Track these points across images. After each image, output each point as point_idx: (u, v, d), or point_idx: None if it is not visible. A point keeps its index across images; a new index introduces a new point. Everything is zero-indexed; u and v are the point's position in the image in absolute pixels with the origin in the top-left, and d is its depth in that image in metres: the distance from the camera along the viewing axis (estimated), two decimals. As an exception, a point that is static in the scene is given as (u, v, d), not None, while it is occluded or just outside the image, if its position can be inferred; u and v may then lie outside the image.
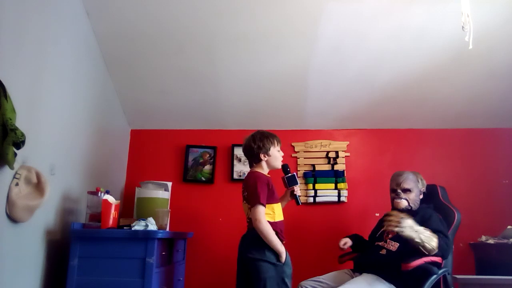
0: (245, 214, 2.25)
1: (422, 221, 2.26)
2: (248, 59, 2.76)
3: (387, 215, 2.22)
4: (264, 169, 2.25)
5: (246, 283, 2.11)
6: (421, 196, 2.46)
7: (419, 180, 2.48)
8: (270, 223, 2.07)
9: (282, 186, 2.37)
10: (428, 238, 2.06)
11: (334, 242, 3.13)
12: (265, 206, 2.07)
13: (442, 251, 2.10)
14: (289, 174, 2.34)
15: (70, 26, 2.27)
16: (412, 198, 2.39)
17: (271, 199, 2.13)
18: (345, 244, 2.46)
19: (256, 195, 2.06)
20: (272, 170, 2.30)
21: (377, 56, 2.71)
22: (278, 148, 2.28)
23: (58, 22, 2.12)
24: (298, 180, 2.38)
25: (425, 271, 2.09)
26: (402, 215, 2.10)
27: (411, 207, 2.38)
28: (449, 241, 2.16)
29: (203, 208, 3.25)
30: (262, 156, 2.22)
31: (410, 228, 2.06)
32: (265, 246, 2.03)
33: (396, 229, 2.07)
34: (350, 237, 2.55)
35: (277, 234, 2.08)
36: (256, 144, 2.22)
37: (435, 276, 2.08)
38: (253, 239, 2.07)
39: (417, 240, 2.05)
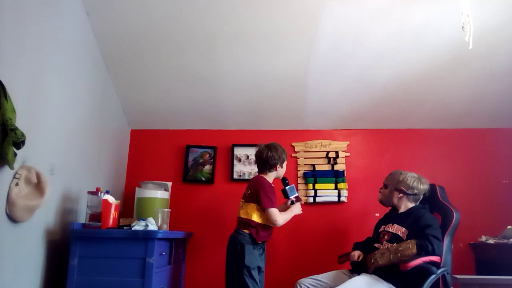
0: (237, 212, 2.49)
1: (415, 221, 2.29)
2: (248, 59, 2.76)
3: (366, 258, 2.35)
4: (271, 178, 2.51)
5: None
6: (405, 197, 2.44)
7: (407, 182, 2.43)
8: (263, 225, 2.36)
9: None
10: (403, 250, 2.15)
11: (333, 242, 3.15)
12: (276, 207, 2.37)
13: (425, 249, 2.11)
14: (288, 186, 2.54)
15: (70, 26, 2.27)
16: (385, 193, 2.55)
17: None
18: (359, 256, 2.44)
19: (270, 199, 2.35)
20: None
21: (377, 56, 2.71)
22: (286, 162, 2.58)
23: (58, 22, 2.12)
24: (296, 191, 2.60)
25: (424, 271, 2.10)
26: (377, 253, 2.25)
27: (382, 200, 2.58)
28: (437, 236, 2.16)
29: (203, 208, 3.25)
30: (278, 167, 2.50)
31: (381, 255, 2.21)
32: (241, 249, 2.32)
33: (372, 266, 2.22)
34: (357, 248, 2.54)
35: (251, 233, 2.34)
36: (278, 155, 2.49)
37: (434, 275, 2.08)
38: (235, 242, 2.35)
39: (393, 258, 2.15)
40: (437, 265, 2.15)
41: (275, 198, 2.41)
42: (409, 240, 2.19)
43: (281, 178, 2.56)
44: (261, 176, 2.49)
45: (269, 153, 2.47)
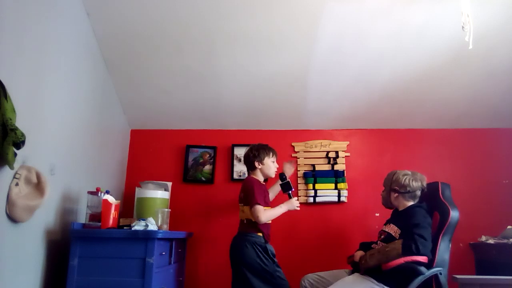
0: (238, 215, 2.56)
1: (406, 220, 2.27)
2: (248, 59, 2.76)
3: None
4: (259, 176, 2.59)
5: (237, 282, 2.39)
6: (400, 196, 2.42)
7: (399, 180, 2.42)
8: (262, 225, 2.41)
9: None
10: (389, 250, 2.15)
11: (333, 242, 3.15)
12: (262, 205, 2.38)
13: (409, 248, 2.08)
14: (284, 181, 2.60)
15: (70, 26, 2.27)
16: (383, 195, 2.56)
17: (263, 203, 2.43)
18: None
19: (254, 197, 2.37)
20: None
21: (377, 56, 2.71)
22: (273, 159, 2.61)
23: (58, 22, 2.12)
24: (293, 185, 2.64)
25: (412, 271, 2.09)
26: (367, 254, 2.28)
27: (383, 203, 2.57)
28: (423, 235, 2.11)
29: (203, 208, 3.25)
30: (256, 163, 2.56)
31: (370, 256, 2.23)
32: (246, 249, 2.37)
33: (362, 267, 2.25)
34: (362, 248, 2.55)
35: (264, 234, 2.41)
36: (252, 153, 2.58)
37: (421, 276, 2.07)
38: (239, 242, 2.41)
39: (381, 259, 2.16)
40: (425, 265, 2.12)
41: (263, 194, 2.46)
42: (397, 240, 2.19)
43: (270, 176, 2.63)
44: (248, 177, 2.59)
45: (247, 151, 2.61)
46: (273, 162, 2.62)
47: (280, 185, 2.62)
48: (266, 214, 2.39)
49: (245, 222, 2.47)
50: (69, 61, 2.29)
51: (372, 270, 2.21)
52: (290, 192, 2.58)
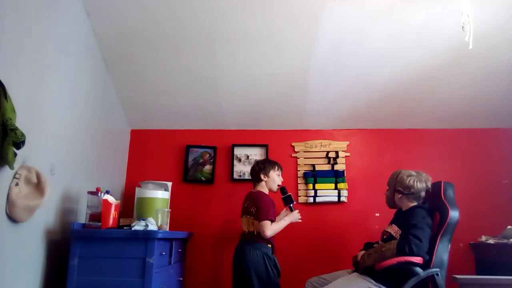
0: (241, 227, 2.61)
1: (406, 220, 2.26)
2: (248, 59, 2.76)
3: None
4: (264, 189, 2.64)
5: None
6: (404, 197, 2.39)
7: (403, 181, 2.39)
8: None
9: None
10: (385, 250, 2.16)
11: (333, 242, 3.15)
12: (272, 221, 2.45)
13: (402, 249, 2.08)
14: (286, 195, 2.67)
15: (70, 26, 2.27)
16: (387, 195, 2.53)
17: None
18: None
19: (265, 213, 2.44)
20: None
21: (377, 56, 2.71)
22: (278, 172, 2.70)
23: (58, 22, 2.12)
24: (294, 199, 2.75)
25: (408, 272, 2.08)
26: (365, 254, 2.30)
27: (387, 203, 2.54)
28: (418, 236, 2.09)
29: (203, 208, 3.25)
30: (262, 176, 2.63)
31: (368, 255, 2.24)
32: (257, 257, 2.43)
33: (360, 266, 2.27)
34: (365, 248, 2.53)
35: (272, 246, 2.50)
36: (258, 166, 2.67)
37: (415, 277, 2.06)
38: (248, 250, 2.44)
39: (377, 258, 2.17)
40: (420, 266, 2.10)
41: (273, 210, 2.51)
42: (393, 241, 2.19)
43: (273, 190, 2.67)
44: (257, 192, 2.62)
45: (254, 164, 2.71)
46: (278, 175, 2.69)
47: (282, 198, 2.68)
48: (272, 229, 2.44)
49: (255, 233, 2.49)
50: (69, 61, 2.28)
51: (371, 270, 2.21)
52: (291, 205, 2.67)
